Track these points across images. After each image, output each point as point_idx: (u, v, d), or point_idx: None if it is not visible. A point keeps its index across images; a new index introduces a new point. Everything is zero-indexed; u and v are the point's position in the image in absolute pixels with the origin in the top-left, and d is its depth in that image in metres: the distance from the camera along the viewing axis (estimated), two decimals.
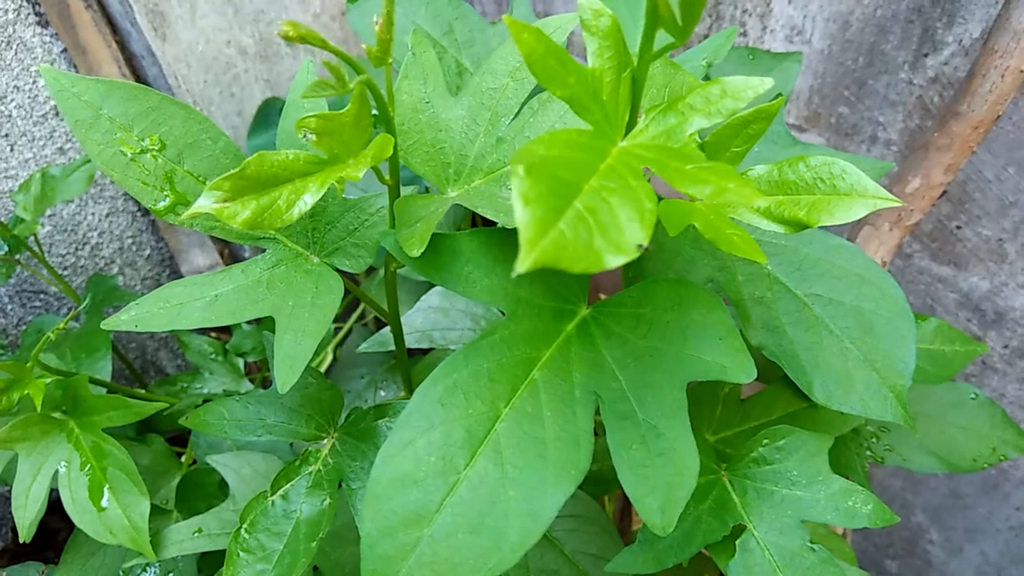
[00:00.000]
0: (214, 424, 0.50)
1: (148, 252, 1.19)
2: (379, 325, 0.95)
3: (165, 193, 0.41)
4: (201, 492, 0.72)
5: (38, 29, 0.94)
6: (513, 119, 0.40)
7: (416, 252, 0.34)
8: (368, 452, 0.49)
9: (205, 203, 0.30)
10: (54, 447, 0.61)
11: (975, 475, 1.05)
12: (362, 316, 0.97)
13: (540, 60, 0.26)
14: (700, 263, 0.45)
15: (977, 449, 0.65)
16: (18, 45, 0.94)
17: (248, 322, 0.90)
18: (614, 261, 0.23)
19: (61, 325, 0.68)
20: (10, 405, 0.57)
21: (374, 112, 0.34)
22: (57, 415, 0.62)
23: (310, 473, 0.49)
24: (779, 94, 0.53)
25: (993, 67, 0.58)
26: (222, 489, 0.74)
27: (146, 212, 1.15)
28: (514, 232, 0.38)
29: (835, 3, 0.80)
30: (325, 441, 0.51)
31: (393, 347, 0.65)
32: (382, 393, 0.85)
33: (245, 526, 0.46)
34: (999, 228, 0.80)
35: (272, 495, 0.48)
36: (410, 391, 0.65)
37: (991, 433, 0.66)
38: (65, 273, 1.10)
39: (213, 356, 0.93)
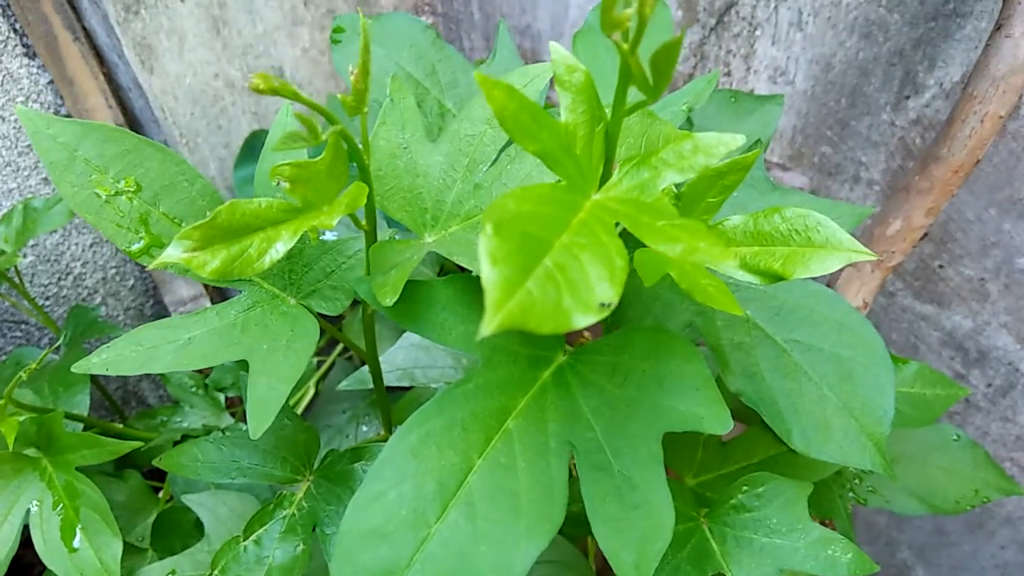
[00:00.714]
0: (188, 466, 0.50)
1: (132, 282, 1.18)
2: (363, 360, 0.95)
3: (140, 235, 0.41)
4: (177, 530, 0.71)
5: (25, 60, 0.94)
6: (491, 166, 0.40)
7: (389, 301, 0.33)
8: (343, 496, 0.48)
9: (174, 253, 0.30)
10: (26, 486, 0.60)
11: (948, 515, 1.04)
12: (345, 350, 0.96)
13: (512, 116, 0.26)
14: (679, 308, 0.45)
15: (960, 491, 0.65)
16: (4, 76, 0.93)
17: None
18: (582, 321, 0.23)
19: (34, 365, 0.67)
20: None
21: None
22: (31, 452, 0.61)
23: (284, 517, 0.48)
24: (757, 140, 0.53)
25: (973, 112, 0.58)
26: (198, 528, 0.73)
27: None
28: None
29: (818, 45, 0.81)
30: (300, 484, 0.50)
31: (370, 385, 0.64)
32: (364, 428, 0.84)
33: (216, 572, 0.45)
34: (981, 268, 0.81)
35: (245, 540, 0.47)
36: (389, 430, 0.64)
37: (974, 475, 0.66)
38: (47, 303, 1.09)
39: (194, 390, 0.92)
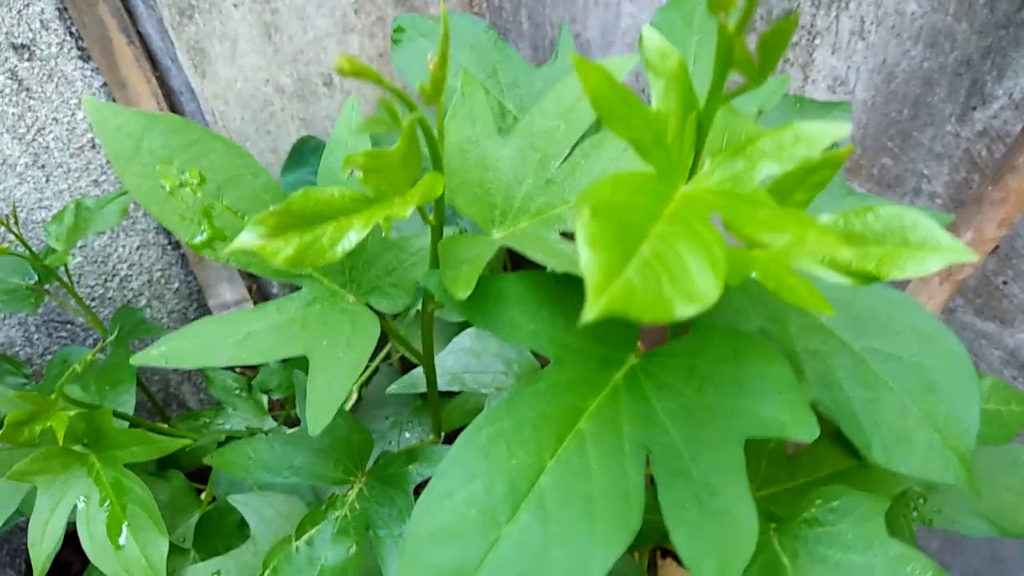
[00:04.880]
0: (239, 464, 0.49)
1: (176, 285, 1.19)
2: (405, 365, 0.94)
3: (202, 228, 0.40)
4: (220, 531, 0.71)
5: (80, 63, 0.95)
6: (563, 161, 0.39)
7: (463, 294, 0.32)
8: (397, 498, 0.47)
9: (248, 239, 0.29)
10: (74, 481, 0.59)
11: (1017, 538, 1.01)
12: (388, 356, 0.95)
13: (605, 100, 0.25)
14: (751, 314, 0.43)
15: None
16: (59, 78, 0.95)
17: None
18: (685, 311, 0.22)
19: (88, 357, 0.67)
20: (32, 437, 0.56)
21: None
22: (78, 448, 0.61)
23: (336, 518, 0.47)
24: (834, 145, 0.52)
25: None
26: (241, 529, 0.72)
27: (176, 245, 1.15)
28: (561, 277, 0.36)
29: (880, 54, 0.79)
30: (352, 485, 0.49)
31: (420, 389, 0.63)
32: (407, 435, 0.83)
33: (267, 572, 0.44)
34: None
35: (296, 540, 0.46)
36: (439, 434, 0.63)
37: None
38: (93, 304, 1.10)
39: (237, 392, 0.92)
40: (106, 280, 1.11)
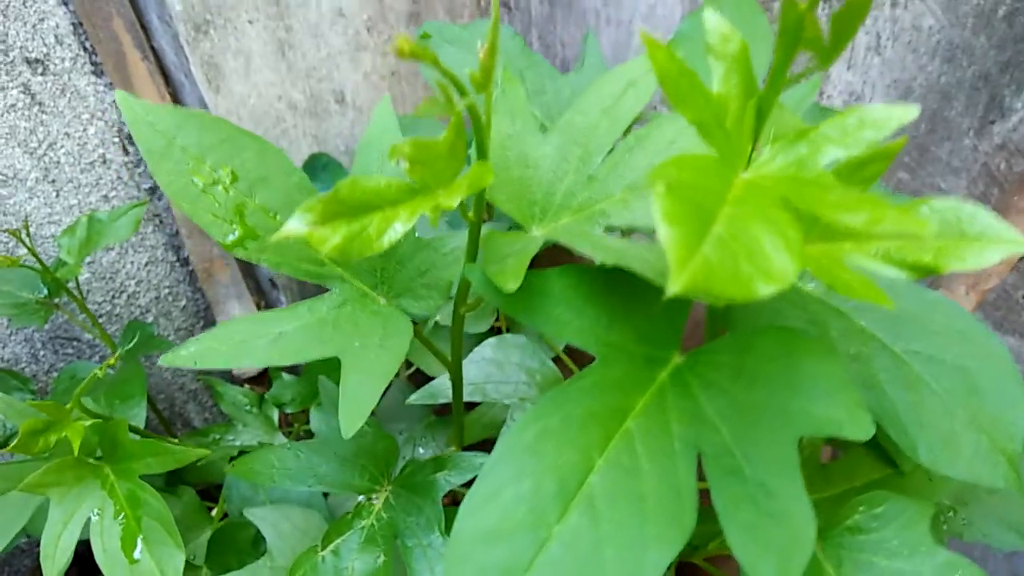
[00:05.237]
0: (262, 472, 0.48)
1: (184, 303, 1.18)
2: (417, 379, 0.93)
3: (234, 226, 0.40)
4: (233, 548, 0.69)
5: (93, 78, 0.95)
6: (606, 157, 0.38)
7: (512, 287, 0.31)
8: (425, 507, 0.46)
9: (296, 226, 0.28)
10: (87, 494, 0.58)
11: None
12: (404, 368, 0.94)
13: (672, 78, 0.25)
14: (789, 315, 0.42)
15: None
16: (72, 93, 0.94)
17: (287, 371, 0.87)
18: (765, 289, 0.21)
19: (101, 370, 0.66)
20: (47, 447, 0.54)
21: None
22: (92, 461, 0.60)
23: (363, 528, 0.46)
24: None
25: None
26: (255, 546, 0.70)
27: (185, 262, 1.14)
28: (605, 272, 0.35)
29: (896, 70, 0.79)
30: (378, 495, 0.48)
31: (441, 400, 0.62)
32: (420, 451, 0.82)
33: None
34: None
35: (323, 550, 0.45)
36: (459, 446, 0.62)
37: None
38: (100, 320, 1.09)
39: (248, 408, 0.91)
40: (114, 297, 1.10)
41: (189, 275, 1.16)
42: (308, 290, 1.20)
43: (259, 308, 1.14)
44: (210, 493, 0.92)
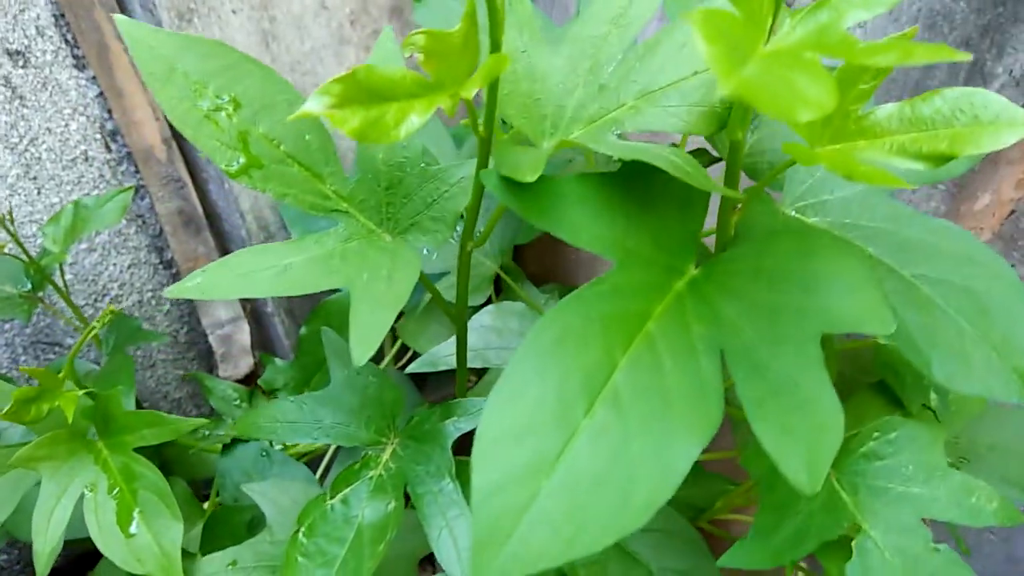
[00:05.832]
0: (266, 427, 0.46)
1: (167, 307, 1.16)
2: (400, 365, 0.92)
3: (238, 154, 0.39)
4: (229, 532, 0.67)
5: (75, 72, 0.94)
6: (616, 66, 0.38)
7: (530, 177, 0.31)
8: (433, 455, 0.45)
9: (315, 106, 0.28)
10: (80, 469, 0.56)
11: None
12: (381, 358, 0.93)
13: None
14: None
15: None
16: (53, 87, 0.93)
17: (281, 359, 0.86)
18: (805, 115, 0.21)
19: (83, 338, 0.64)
20: (39, 416, 0.53)
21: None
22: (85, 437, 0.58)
23: (370, 478, 0.45)
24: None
25: None
26: (251, 530, 0.69)
27: (168, 265, 1.12)
28: (622, 179, 0.35)
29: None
30: (385, 447, 0.47)
31: (441, 367, 0.61)
32: None
33: (303, 530, 0.42)
34: None
35: (331, 499, 0.43)
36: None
37: None
38: (82, 326, 1.07)
39: (237, 402, 0.89)
40: (96, 300, 1.08)
41: (172, 278, 1.15)
42: None
43: (244, 309, 1.13)
44: (196, 487, 0.90)
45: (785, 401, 0.31)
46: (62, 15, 0.89)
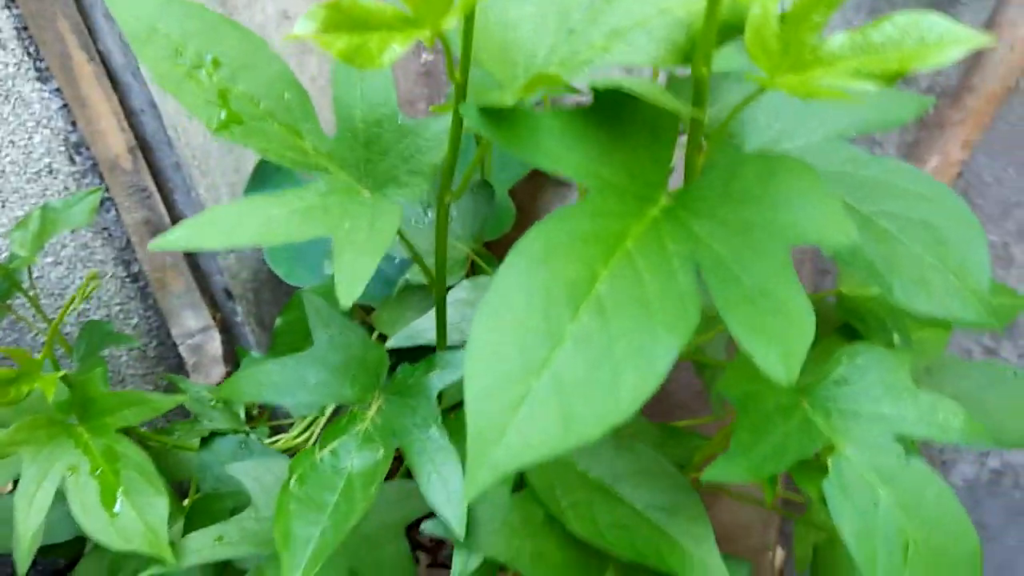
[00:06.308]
0: (250, 391, 0.47)
1: (136, 320, 1.15)
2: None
3: (221, 111, 0.40)
4: (212, 520, 0.67)
5: (38, 84, 0.94)
6: (584, 13, 0.40)
7: (509, 101, 0.33)
8: (419, 407, 0.46)
9: (303, 28, 0.29)
10: (61, 453, 0.56)
11: (999, 505, 1.02)
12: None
13: None
14: None
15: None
16: (16, 99, 0.93)
17: (256, 351, 0.86)
18: None
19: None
20: (18, 397, 0.53)
21: None
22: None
23: (358, 432, 0.45)
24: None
25: (1002, 39, 0.60)
26: (235, 515, 0.69)
27: (135, 278, 1.12)
28: (596, 112, 0.37)
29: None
30: (370, 405, 0.48)
31: (420, 341, 0.62)
32: None
33: (294, 479, 0.42)
34: (1003, 231, 0.82)
35: (320, 452, 0.44)
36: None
37: None
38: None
39: (212, 403, 0.89)
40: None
41: (140, 291, 1.14)
42: (263, 300, 1.19)
43: (215, 320, 1.13)
44: (180, 495, 0.89)
45: (759, 306, 0.32)
46: (25, 28, 0.89)
